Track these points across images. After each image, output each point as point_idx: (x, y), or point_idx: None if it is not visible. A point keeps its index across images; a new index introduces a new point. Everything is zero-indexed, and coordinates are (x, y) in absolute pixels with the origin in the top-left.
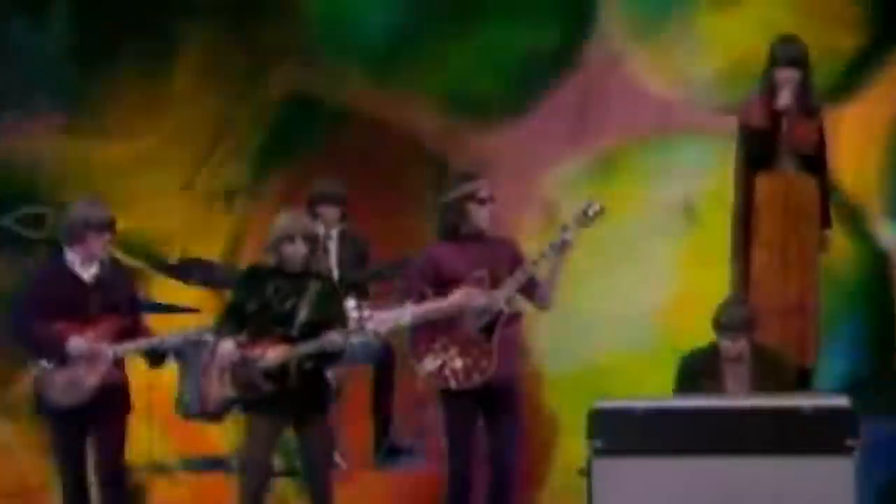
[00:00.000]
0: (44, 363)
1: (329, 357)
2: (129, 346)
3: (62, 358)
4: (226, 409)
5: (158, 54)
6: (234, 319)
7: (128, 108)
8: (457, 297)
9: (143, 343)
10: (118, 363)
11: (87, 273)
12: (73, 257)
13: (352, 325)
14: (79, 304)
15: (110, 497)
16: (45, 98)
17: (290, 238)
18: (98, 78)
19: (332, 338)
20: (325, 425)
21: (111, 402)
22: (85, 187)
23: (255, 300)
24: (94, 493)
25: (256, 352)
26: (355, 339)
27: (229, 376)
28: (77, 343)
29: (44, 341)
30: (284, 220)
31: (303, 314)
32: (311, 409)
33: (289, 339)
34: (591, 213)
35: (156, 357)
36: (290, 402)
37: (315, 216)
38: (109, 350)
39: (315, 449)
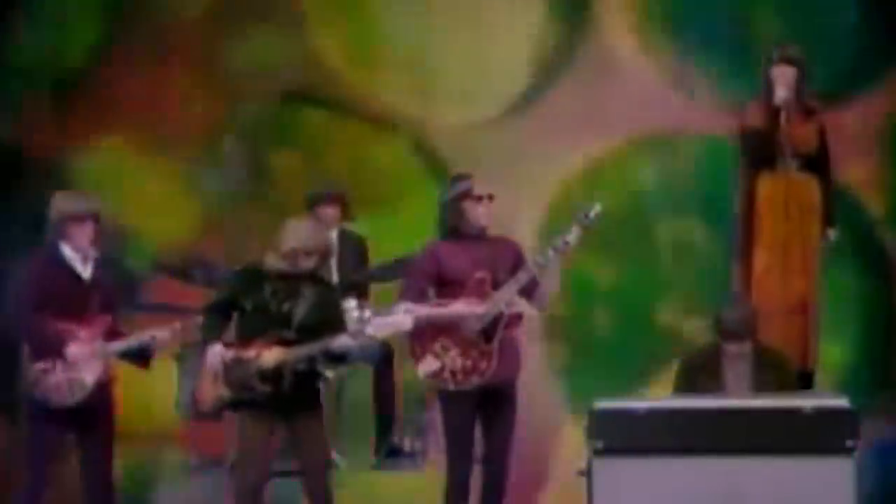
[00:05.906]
0: (40, 362)
1: (334, 359)
2: (120, 345)
3: (59, 358)
4: (220, 409)
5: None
6: (217, 314)
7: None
8: (458, 306)
9: (133, 341)
10: (107, 362)
11: (86, 271)
12: (69, 253)
13: (353, 324)
14: (77, 303)
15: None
16: None
17: (309, 253)
18: None
19: (342, 340)
20: (321, 426)
21: (100, 405)
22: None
23: (251, 300)
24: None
25: (251, 352)
26: (356, 341)
27: (222, 377)
28: (76, 350)
29: (42, 340)
30: (306, 233)
31: (300, 316)
32: (305, 410)
33: (285, 341)
34: (592, 215)
35: (143, 357)
36: (283, 403)
37: (315, 216)
38: (103, 348)
39: (313, 450)
